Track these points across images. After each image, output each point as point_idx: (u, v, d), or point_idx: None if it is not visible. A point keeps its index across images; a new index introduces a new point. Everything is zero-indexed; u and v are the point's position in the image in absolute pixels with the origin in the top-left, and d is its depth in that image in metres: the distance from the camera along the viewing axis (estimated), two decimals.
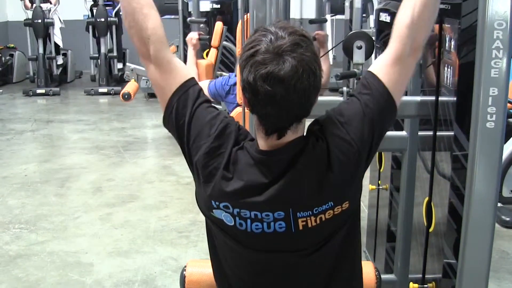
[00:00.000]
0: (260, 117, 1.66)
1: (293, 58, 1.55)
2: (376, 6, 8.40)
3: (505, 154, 4.69)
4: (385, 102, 1.74)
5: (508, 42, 2.12)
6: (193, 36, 4.97)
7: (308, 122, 1.76)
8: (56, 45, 11.25)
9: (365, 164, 1.75)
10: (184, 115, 1.77)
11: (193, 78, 1.82)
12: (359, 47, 2.47)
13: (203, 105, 1.78)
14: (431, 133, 2.67)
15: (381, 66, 1.78)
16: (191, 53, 4.81)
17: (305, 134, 1.73)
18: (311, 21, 6.94)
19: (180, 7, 7.46)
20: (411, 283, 2.77)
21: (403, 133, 2.88)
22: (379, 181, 3.67)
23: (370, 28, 7.89)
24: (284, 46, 1.56)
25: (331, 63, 8.86)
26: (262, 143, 1.69)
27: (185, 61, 7.31)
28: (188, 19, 7.12)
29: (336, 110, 1.76)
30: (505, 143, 3.71)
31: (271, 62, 1.55)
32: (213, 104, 1.82)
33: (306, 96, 1.60)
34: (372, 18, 7.84)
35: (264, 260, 1.76)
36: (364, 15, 8.86)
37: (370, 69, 1.80)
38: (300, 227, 1.68)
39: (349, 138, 1.69)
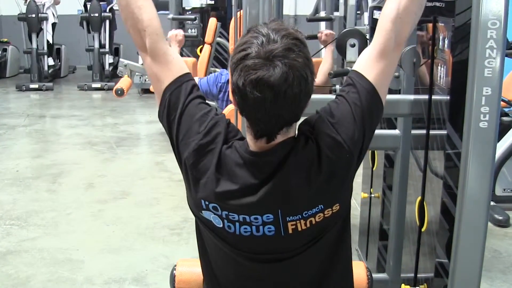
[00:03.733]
0: (249, 121, 1.63)
1: (284, 64, 1.51)
2: (370, 3, 8.40)
3: (498, 153, 4.69)
4: (372, 99, 1.73)
5: (502, 41, 2.11)
6: (178, 33, 4.71)
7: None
8: (49, 42, 11.19)
9: (356, 164, 1.73)
10: (175, 111, 1.75)
11: (188, 73, 1.80)
12: (352, 45, 2.46)
13: (195, 101, 1.75)
14: (424, 131, 2.65)
15: (366, 63, 1.76)
16: (175, 50, 4.63)
17: (296, 134, 1.70)
18: (310, 20, 6.74)
19: (174, 3, 7.45)
20: (402, 285, 2.76)
21: (396, 131, 2.86)
22: (371, 189, 3.66)
23: (365, 25, 7.89)
24: (275, 51, 1.52)
25: None
26: (252, 145, 1.67)
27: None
28: (171, 16, 6.88)
29: (326, 110, 1.73)
30: (498, 141, 3.72)
31: (261, 67, 1.51)
32: (206, 101, 1.80)
33: (296, 103, 1.57)
34: (366, 15, 7.83)
35: (252, 262, 1.73)
36: (358, 12, 8.85)
37: (354, 67, 1.78)
38: (290, 231, 1.66)
39: (340, 138, 1.66)
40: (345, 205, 1.74)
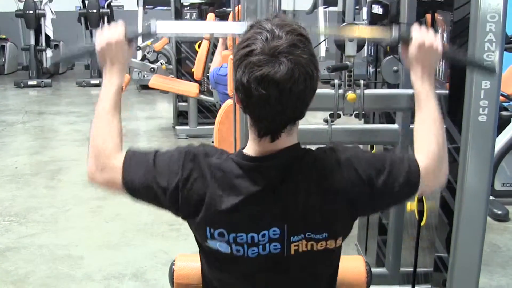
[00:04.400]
0: (253, 119, 1.60)
1: (289, 61, 1.48)
2: None
3: (497, 147, 4.68)
4: (409, 190, 1.71)
5: (501, 35, 2.11)
6: None
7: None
8: (48, 37, 11.18)
9: (364, 209, 1.71)
10: (149, 180, 1.68)
11: (127, 151, 1.74)
12: (351, 40, 2.44)
13: (157, 158, 1.70)
14: None
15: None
16: (219, 42, 5.17)
17: (314, 149, 1.68)
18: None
19: None
20: (408, 204, 2.72)
21: (395, 126, 2.86)
22: None
23: (363, 20, 7.87)
24: (280, 47, 1.48)
25: (324, 54, 8.83)
26: (254, 147, 1.63)
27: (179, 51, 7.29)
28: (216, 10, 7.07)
29: (364, 150, 1.72)
30: (498, 135, 3.72)
31: (266, 64, 1.48)
32: (162, 150, 1.75)
33: (302, 99, 1.54)
34: (365, 10, 7.82)
35: (253, 280, 1.72)
36: (357, 7, 8.84)
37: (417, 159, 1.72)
38: (292, 252, 1.64)
39: (363, 174, 1.63)
40: (343, 239, 1.72)
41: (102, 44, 1.80)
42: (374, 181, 1.63)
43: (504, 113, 5.00)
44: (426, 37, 1.77)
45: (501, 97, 3.20)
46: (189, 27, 1.86)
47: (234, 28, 2.23)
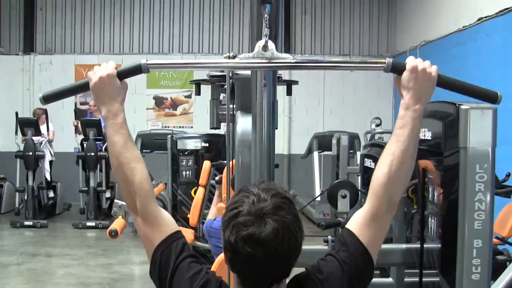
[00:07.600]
0: (240, 278, 1.66)
1: (274, 221, 1.57)
2: (362, 143, 8.58)
3: None
4: (363, 259, 1.75)
5: (490, 182, 2.16)
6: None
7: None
8: (47, 179, 11.28)
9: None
10: (166, 270, 1.76)
11: (178, 231, 1.82)
12: (344, 196, 2.50)
13: (186, 260, 1.77)
14: (417, 279, 2.64)
15: (358, 224, 1.79)
16: (216, 194, 5.08)
17: None
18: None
19: (169, 145, 7.61)
20: None
21: (389, 279, 2.85)
22: None
23: (357, 165, 7.99)
24: (266, 208, 1.58)
25: (319, 199, 8.86)
26: None
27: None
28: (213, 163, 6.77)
29: (314, 267, 1.76)
30: (494, 280, 3.68)
31: (252, 224, 1.57)
32: (197, 259, 1.81)
33: (287, 258, 1.63)
34: (359, 154, 7.96)
35: None
36: (351, 151, 9.04)
37: (347, 226, 1.81)
38: None
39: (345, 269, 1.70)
40: None
41: (94, 79, 1.85)
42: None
43: (500, 257, 4.95)
44: (419, 63, 1.79)
45: (495, 240, 3.21)
46: (176, 63, 1.92)
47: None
